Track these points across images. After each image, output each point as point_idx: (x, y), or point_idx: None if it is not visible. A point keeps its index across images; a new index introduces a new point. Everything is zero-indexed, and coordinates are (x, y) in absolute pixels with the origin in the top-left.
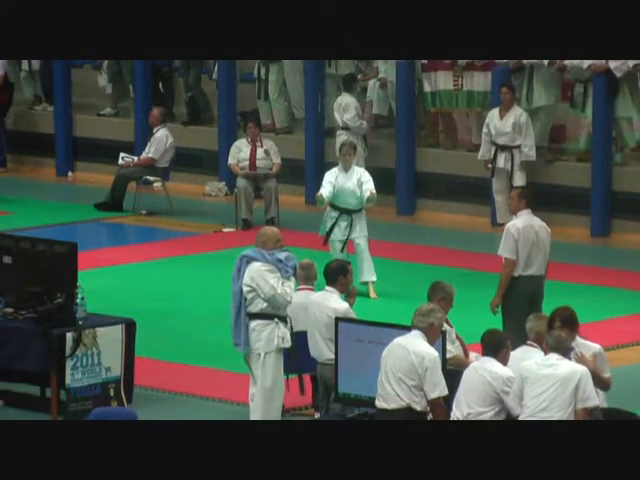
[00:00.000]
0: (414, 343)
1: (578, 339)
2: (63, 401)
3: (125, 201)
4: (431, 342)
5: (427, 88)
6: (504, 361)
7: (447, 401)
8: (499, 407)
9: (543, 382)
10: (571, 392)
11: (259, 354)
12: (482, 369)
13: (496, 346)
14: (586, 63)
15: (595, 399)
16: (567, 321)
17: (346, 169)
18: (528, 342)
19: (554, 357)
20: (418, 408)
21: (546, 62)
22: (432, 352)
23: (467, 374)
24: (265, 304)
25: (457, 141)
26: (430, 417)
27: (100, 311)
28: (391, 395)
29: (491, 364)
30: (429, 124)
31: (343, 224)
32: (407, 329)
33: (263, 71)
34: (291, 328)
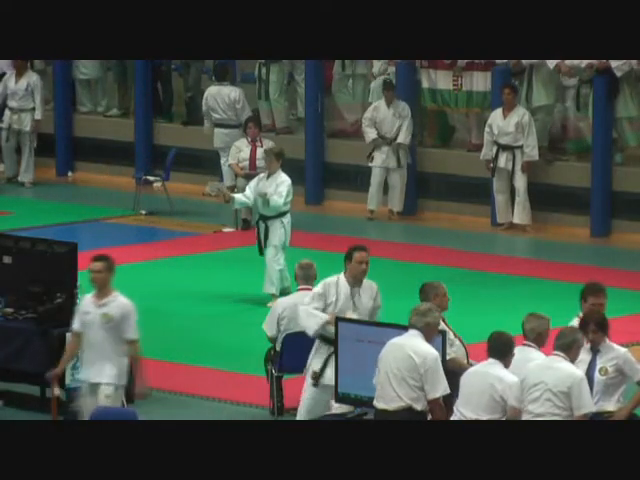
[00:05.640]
0: (414, 343)
1: (607, 342)
2: (63, 401)
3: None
4: (428, 341)
5: (425, 84)
6: (509, 364)
7: (447, 402)
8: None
9: (537, 388)
10: (561, 399)
11: None
12: (487, 374)
13: (504, 350)
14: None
15: (591, 406)
16: (602, 325)
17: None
18: (526, 342)
19: (554, 359)
20: (418, 408)
21: (551, 66)
22: (433, 352)
23: (471, 378)
24: None
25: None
26: (430, 417)
27: None
28: (392, 396)
29: (496, 369)
30: (428, 123)
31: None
32: (407, 329)
33: (264, 71)
34: None
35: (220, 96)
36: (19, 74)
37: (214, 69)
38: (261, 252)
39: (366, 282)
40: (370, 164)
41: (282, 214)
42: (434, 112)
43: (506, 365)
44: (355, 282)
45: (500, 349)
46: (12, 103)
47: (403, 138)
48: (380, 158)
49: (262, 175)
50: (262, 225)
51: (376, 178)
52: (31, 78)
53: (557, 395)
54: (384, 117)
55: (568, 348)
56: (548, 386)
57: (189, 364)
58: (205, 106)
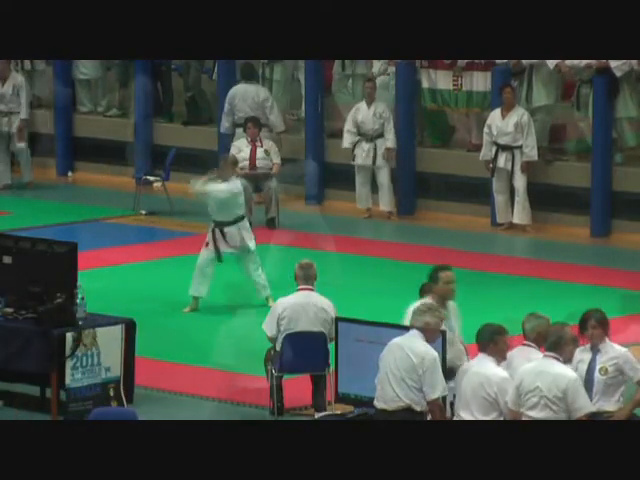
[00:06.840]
0: (413, 343)
1: (607, 341)
2: (63, 401)
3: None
4: (429, 341)
5: (425, 84)
6: (498, 354)
7: (446, 401)
8: (500, 412)
9: (534, 394)
10: (558, 404)
11: None
12: (476, 374)
13: (484, 339)
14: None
15: (589, 406)
16: (602, 322)
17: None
18: (526, 342)
19: (547, 361)
20: (418, 408)
21: (551, 66)
22: (431, 352)
23: (463, 379)
24: None
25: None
26: (429, 417)
27: (100, 311)
28: (391, 396)
29: (484, 365)
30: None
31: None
32: (407, 329)
33: (267, 71)
34: None
35: (248, 95)
36: (4, 77)
37: (240, 69)
38: (220, 259)
39: (450, 303)
40: (352, 162)
41: (242, 218)
42: (434, 112)
43: (494, 354)
44: (443, 304)
45: (481, 340)
46: (1, 107)
47: (391, 143)
48: (361, 156)
49: (214, 177)
50: (235, 230)
51: (359, 176)
52: (16, 80)
53: (553, 401)
54: (364, 118)
55: (557, 346)
56: (543, 392)
57: (189, 364)
58: (229, 105)
